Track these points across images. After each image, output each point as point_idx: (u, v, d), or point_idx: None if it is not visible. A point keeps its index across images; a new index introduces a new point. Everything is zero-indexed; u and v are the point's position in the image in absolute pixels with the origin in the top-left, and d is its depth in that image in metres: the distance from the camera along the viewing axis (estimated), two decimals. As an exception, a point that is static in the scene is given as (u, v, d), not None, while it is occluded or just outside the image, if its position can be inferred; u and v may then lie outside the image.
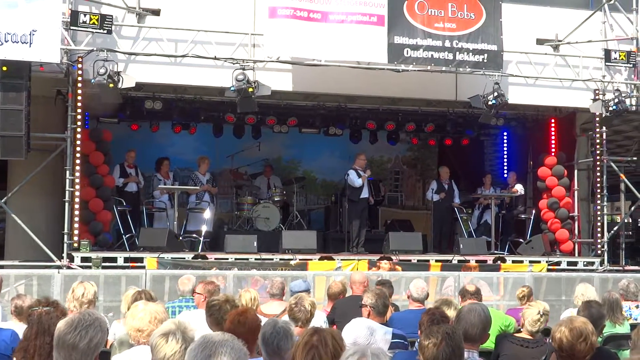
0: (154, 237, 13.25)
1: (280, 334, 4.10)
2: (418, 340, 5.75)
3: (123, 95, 12.84)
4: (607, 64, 14.19)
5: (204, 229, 14.16)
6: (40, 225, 12.74)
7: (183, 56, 12.96)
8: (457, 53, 13.08)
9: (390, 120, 16.43)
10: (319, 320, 6.63)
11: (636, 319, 8.73)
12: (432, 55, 12.98)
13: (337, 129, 16.71)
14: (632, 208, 16.08)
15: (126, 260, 12.56)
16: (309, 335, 3.57)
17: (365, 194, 14.69)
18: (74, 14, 12.03)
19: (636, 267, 15.18)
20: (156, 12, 12.88)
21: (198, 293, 7.52)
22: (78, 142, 12.42)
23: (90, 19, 12.06)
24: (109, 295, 10.63)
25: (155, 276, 11.41)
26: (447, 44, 13.03)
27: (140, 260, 12.42)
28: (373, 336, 5.48)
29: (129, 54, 12.76)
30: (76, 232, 12.39)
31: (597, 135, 14.69)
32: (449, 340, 3.85)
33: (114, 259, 12.59)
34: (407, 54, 12.87)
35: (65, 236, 12.32)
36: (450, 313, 5.98)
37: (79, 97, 12.42)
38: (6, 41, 11.34)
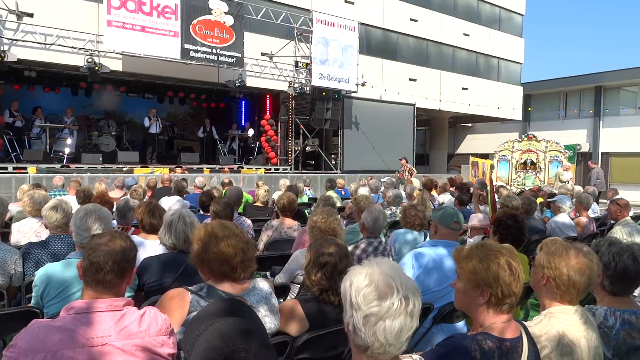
0: (33, 154, 11.51)
1: (127, 206, 3.93)
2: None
3: (8, 66, 10.62)
4: (296, 68, 14.67)
5: (67, 150, 12.45)
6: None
7: (51, 44, 11.13)
8: (219, 56, 12.69)
9: (181, 91, 15.59)
10: (146, 198, 6.35)
11: (310, 195, 9.45)
12: (205, 56, 12.47)
13: (149, 94, 15.47)
14: (305, 142, 17.01)
15: (14, 169, 10.85)
16: (149, 202, 3.48)
17: (153, 130, 13.81)
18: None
19: (306, 171, 16.17)
20: (30, 15, 10.80)
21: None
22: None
23: (-18, 14, 9.88)
24: (3, 189, 9.23)
25: (35, 177, 10.01)
26: (214, 50, 12.58)
27: (25, 168, 10.78)
28: (181, 205, 5.41)
29: (11, 39, 10.67)
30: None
31: (290, 105, 15.25)
32: (227, 205, 3.94)
33: (5, 168, 10.80)
34: (192, 54, 12.24)
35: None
36: (216, 193, 5.98)
37: (-24, 65, 10.18)
38: None
